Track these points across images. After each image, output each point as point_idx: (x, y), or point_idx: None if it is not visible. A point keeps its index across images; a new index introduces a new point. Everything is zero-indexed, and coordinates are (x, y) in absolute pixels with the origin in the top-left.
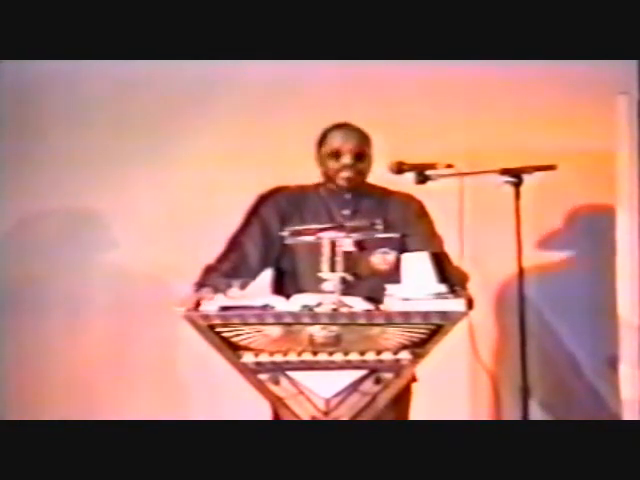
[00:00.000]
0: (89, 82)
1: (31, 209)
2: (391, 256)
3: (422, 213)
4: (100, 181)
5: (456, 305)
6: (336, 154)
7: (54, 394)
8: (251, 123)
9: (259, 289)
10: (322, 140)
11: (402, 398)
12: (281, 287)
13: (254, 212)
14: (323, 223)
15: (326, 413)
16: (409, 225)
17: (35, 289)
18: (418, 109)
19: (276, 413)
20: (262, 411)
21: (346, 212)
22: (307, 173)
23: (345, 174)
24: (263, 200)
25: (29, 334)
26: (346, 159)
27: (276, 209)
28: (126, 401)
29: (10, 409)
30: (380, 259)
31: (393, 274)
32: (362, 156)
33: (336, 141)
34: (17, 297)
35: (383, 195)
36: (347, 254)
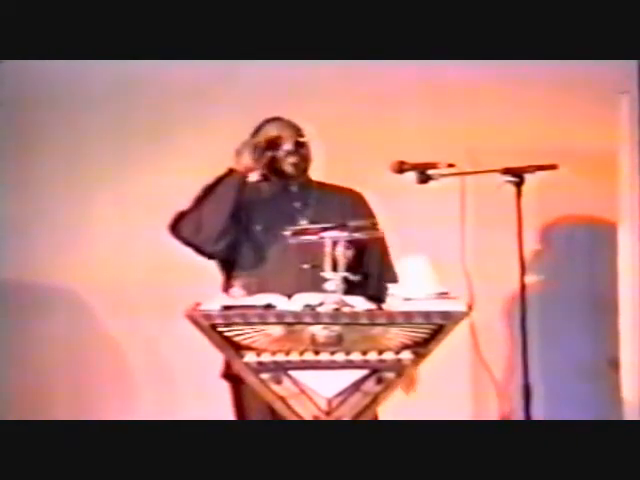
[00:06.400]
0: (89, 82)
1: (31, 209)
2: (350, 252)
3: (366, 205)
4: (100, 181)
5: (457, 305)
6: (275, 143)
7: (54, 394)
8: (251, 124)
9: None
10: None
11: None
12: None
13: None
14: (276, 218)
15: (328, 413)
16: (358, 219)
17: (36, 289)
18: (420, 109)
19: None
20: None
21: (297, 204)
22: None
23: (291, 159)
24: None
25: (30, 334)
26: (288, 145)
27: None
28: (127, 401)
29: (10, 409)
30: (341, 253)
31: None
32: (302, 144)
33: (272, 131)
34: (17, 297)
35: (326, 188)
36: (307, 246)
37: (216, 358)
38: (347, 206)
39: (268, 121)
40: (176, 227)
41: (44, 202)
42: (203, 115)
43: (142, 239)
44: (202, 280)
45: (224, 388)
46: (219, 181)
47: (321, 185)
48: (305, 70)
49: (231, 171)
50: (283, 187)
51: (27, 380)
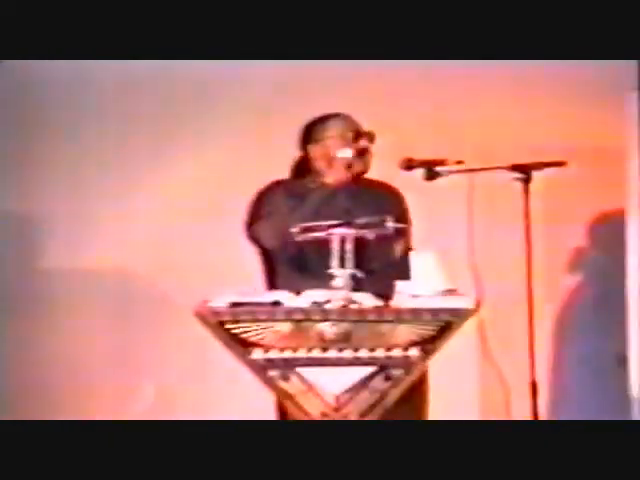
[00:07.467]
0: (90, 82)
1: (31, 209)
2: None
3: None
4: (101, 180)
5: (465, 302)
6: (353, 136)
7: (54, 394)
8: (253, 123)
9: None
10: (318, 131)
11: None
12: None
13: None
14: (328, 216)
15: (336, 409)
16: (403, 218)
17: (36, 289)
18: (429, 106)
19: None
20: (269, 409)
21: (348, 204)
22: None
23: (359, 161)
24: (267, 193)
25: (29, 334)
26: (364, 142)
27: (289, 199)
28: (127, 401)
29: (10, 409)
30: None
31: None
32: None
33: (348, 124)
34: (18, 297)
35: (375, 187)
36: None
37: (217, 357)
38: (395, 208)
39: (329, 118)
40: (260, 236)
41: (45, 201)
42: (204, 115)
43: (144, 239)
44: (206, 279)
45: (226, 388)
46: (295, 189)
47: (372, 184)
48: (309, 70)
49: (322, 184)
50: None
51: (26, 380)
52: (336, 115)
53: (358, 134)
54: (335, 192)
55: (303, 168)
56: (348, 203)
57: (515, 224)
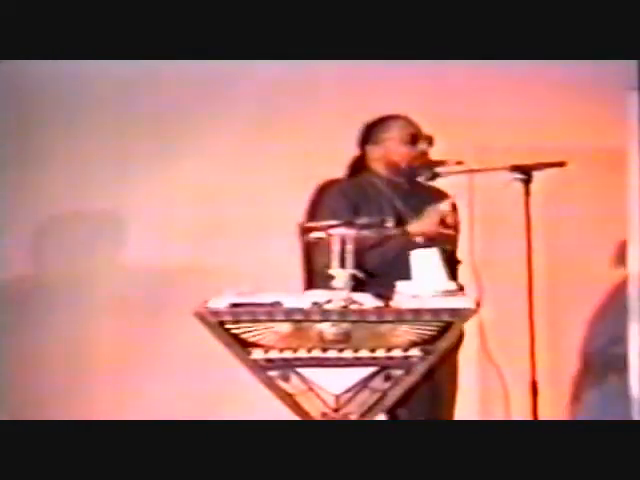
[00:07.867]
0: (90, 82)
1: (32, 209)
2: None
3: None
4: (101, 181)
5: (466, 302)
6: (413, 139)
7: (54, 394)
8: (255, 123)
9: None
10: (378, 127)
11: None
12: None
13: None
14: (387, 215)
15: (336, 410)
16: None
17: (38, 288)
18: (429, 106)
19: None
20: (269, 409)
21: (411, 203)
22: (315, 172)
23: (420, 162)
24: (326, 191)
25: (30, 334)
26: (423, 145)
27: (345, 200)
28: (127, 401)
29: (10, 409)
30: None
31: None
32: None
33: (408, 127)
34: (19, 296)
35: (429, 192)
36: None
37: (217, 356)
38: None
39: (389, 119)
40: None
41: (44, 201)
42: (205, 115)
43: (144, 239)
44: (206, 279)
45: (226, 388)
46: None
47: (420, 187)
48: (313, 70)
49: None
50: (396, 184)
51: (26, 380)
52: (396, 117)
53: (417, 137)
54: (388, 195)
55: (359, 167)
56: (400, 206)
57: (515, 224)
